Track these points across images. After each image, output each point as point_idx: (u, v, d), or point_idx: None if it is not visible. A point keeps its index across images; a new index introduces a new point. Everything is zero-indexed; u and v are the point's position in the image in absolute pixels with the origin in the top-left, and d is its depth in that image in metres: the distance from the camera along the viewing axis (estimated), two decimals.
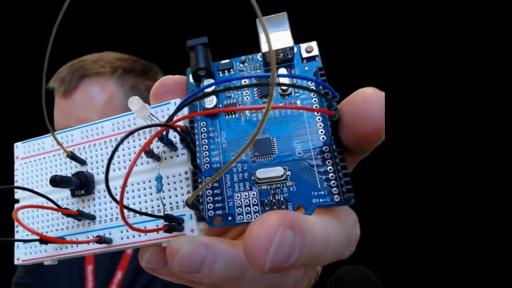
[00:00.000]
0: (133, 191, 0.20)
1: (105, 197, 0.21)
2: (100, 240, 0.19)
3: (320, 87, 0.19)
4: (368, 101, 0.16)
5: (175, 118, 0.18)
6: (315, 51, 0.21)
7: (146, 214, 0.17)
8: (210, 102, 0.21)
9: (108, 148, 0.22)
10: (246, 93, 0.21)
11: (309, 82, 0.20)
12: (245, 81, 0.21)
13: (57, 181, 0.19)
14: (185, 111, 0.21)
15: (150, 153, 0.19)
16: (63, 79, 0.67)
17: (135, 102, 0.18)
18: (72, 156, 0.21)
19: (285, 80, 0.20)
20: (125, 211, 0.19)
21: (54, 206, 0.20)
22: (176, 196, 0.20)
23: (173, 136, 0.20)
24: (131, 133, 0.15)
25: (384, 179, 1.03)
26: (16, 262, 0.22)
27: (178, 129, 0.18)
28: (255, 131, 0.13)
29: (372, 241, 0.99)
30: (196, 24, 0.93)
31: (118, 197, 0.15)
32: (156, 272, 0.20)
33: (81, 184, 0.21)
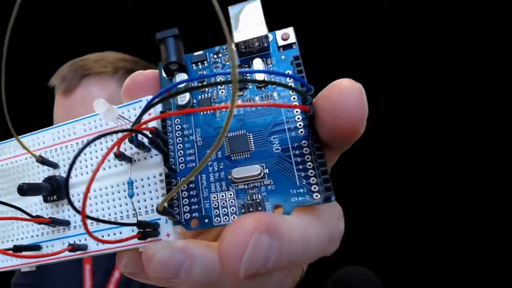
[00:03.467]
0: (107, 195, 0.19)
1: (79, 201, 0.20)
2: (73, 248, 0.18)
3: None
4: (344, 95, 0.15)
5: (143, 119, 0.17)
6: (292, 38, 0.20)
7: (115, 223, 0.17)
8: (183, 98, 0.19)
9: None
10: (221, 86, 0.20)
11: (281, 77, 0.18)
12: (216, 78, 0.20)
13: (24, 190, 0.18)
14: (158, 108, 0.20)
15: (121, 156, 0.18)
16: (63, 77, 0.66)
17: (100, 104, 0.17)
18: (42, 161, 0.20)
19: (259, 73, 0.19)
20: (102, 217, 0.19)
21: (25, 216, 0.19)
22: (151, 199, 0.19)
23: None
24: (88, 144, 0.14)
25: (384, 179, 1.02)
26: None
27: (146, 131, 0.16)
28: (219, 137, 0.12)
29: (372, 241, 0.99)
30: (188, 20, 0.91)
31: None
32: (135, 276, 0.20)
33: (53, 189, 0.20)
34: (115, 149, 0.18)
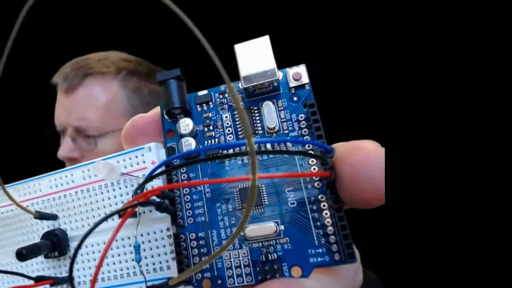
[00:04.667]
0: (111, 249, 0.18)
1: (81, 255, 0.19)
2: None
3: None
4: (368, 163, 0.13)
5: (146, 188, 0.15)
6: (304, 78, 0.18)
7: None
8: (188, 144, 0.18)
9: (80, 200, 0.19)
10: (229, 130, 0.19)
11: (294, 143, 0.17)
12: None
13: (24, 255, 0.17)
14: (162, 155, 0.19)
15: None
16: (66, 75, 0.64)
17: (100, 168, 0.15)
18: (40, 216, 0.19)
19: (274, 117, 0.18)
20: (106, 273, 0.18)
21: (26, 282, 0.18)
22: (159, 255, 0.18)
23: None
24: (94, 228, 0.12)
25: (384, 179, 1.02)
26: None
27: (152, 199, 0.15)
28: (240, 224, 0.11)
29: (372, 241, 0.99)
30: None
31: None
32: None
33: (54, 245, 0.19)
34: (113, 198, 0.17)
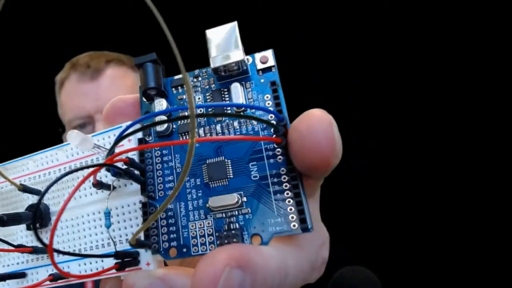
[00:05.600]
0: (88, 222, 0.19)
1: (62, 229, 0.20)
2: (54, 278, 0.18)
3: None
4: (312, 127, 0.14)
5: (117, 150, 0.17)
6: (271, 61, 0.19)
7: (90, 255, 0.16)
8: (162, 125, 0.19)
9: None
10: (201, 110, 0.20)
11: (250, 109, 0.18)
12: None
13: (4, 221, 0.18)
14: (138, 134, 0.20)
15: (99, 185, 0.18)
16: (87, 64, 0.68)
17: (74, 136, 0.16)
18: (24, 189, 0.20)
19: (240, 96, 0.19)
20: (81, 245, 0.19)
21: (7, 247, 0.19)
22: (132, 226, 0.19)
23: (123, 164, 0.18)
24: (56, 180, 0.14)
25: (384, 179, 1.01)
26: None
27: (118, 164, 0.16)
28: (182, 173, 0.12)
29: (372, 241, 0.98)
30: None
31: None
32: None
33: (34, 221, 0.20)
34: (92, 178, 0.18)
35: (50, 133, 0.72)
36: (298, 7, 0.96)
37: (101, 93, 0.65)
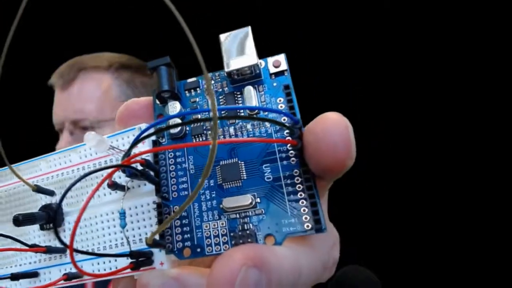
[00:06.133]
0: (102, 222, 0.20)
1: (79, 228, 0.20)
2: (68, 277, 0.19)
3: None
4: (328, 130, 0.15)
5: (133, 152, 0.17)
6: (283, 66, 0.20)
7: (106, 255, 0.17)
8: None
9: (76, 177, 0.21)
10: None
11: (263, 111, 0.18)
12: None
13: (19, 221, 0.18)
14: (152, 137, 0.20)
15: (114, 186, 0.18)
16: (61, 73, 0.69)
17: (90, 138, 0.17)
18: (38, 189, 0.20)
19: (253, 99, 0.19)
20: (95, 245, 0.19)
21: (21, 246, 0.19)
22: (145, 227, 0.19)
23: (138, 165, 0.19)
24: (79, 179, 0.14)
25: (384, 179, 1.02)
26: None
27: (134, 165, 0.17)
28: (204, 172, 0.13)
29: (372, 241, 0.99)
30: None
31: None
32: None
33: (49, 218, 0.20)
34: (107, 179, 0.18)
35: (50, 133, 0.72)
36: (298, 7, 0.97)
37: (69, 103, 0.67)
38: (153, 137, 0.20)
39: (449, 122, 0.99)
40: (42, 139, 0.70)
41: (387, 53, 1.02)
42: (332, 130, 0.15)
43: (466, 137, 0.97)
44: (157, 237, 0.18)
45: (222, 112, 0.19)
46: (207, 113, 0.20)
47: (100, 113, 0.65)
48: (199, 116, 0.20)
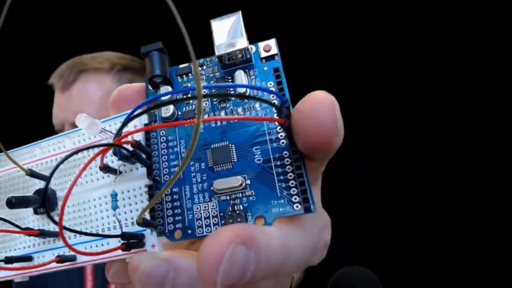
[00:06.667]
0: (95, 206, 0.20)
1: (69, 213, 0.20)
2: (61, 259, 0.19)
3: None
4: (316, 108, 0.15)
5: (124, 132, 0.17)
6: (274, 50, 0.20)
7: (97, 235, 0.17)
8: (167, 110, 0.20)
9: (69, 163, 0.21)
10: (204, 91, 0.20)
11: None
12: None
13: (13, 203, 0.18)
14: (144, 120, 0.20)
15: (105, 169, 0.19)
16: (61, 74, 0.69)
17: (82, 119, 0.17)
18: (32, 174, 0.20)
19: (244, 83, 0.19)
20: (87, 229, 0.19)
21: (14, 228, 0.20)
22: (137, 210, 0.19)
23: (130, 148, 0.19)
24: (62, 161, 0.14)
25: (384, 179, 1.02)
26: None
27: (126, 145, 0.17)
28: (188, 151, 0.13)
29: (371, 241, 0.99)
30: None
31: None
32: (123, 286, 0.20)
33: (43, 202, 0.20)
34: (99, 162, 0.18)
35: (50, 133, 0.73)
36: (298, 7, 0.97)
37: (69, 105, 0.67)
38: (145, 121, 0.20)
39: (449, 122, 0.99)
40: (42, 139, 0.71)
41: (387, 53, 1.02)
42: (319, 107, 0.15)
43: (466, 137, 0.97)
44: (148, 217, 0.18)
45: (213, 91, 0.19)
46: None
47: (100, 117, 0.65)
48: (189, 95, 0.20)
